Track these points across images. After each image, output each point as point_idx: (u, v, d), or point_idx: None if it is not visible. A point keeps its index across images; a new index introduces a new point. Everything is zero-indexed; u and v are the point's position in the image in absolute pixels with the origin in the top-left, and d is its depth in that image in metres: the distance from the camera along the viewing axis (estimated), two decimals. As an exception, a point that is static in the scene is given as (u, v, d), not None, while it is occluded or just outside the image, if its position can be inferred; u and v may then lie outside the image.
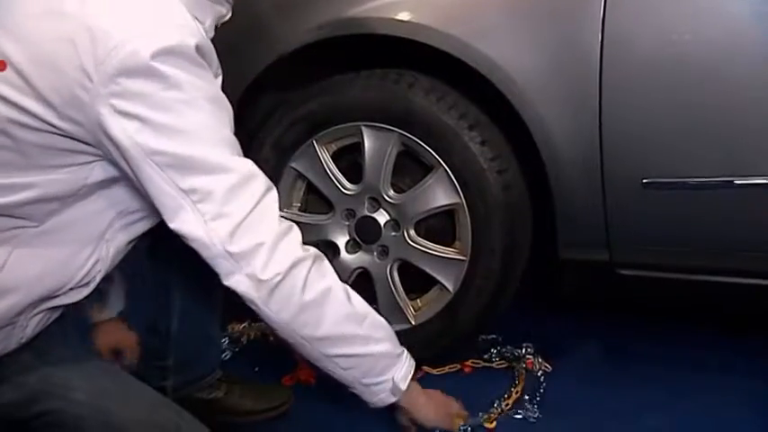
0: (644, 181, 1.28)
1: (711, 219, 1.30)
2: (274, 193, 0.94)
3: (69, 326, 1.05)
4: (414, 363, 1.04)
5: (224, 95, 0.94)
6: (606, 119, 1.27)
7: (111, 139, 0.87)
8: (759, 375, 1.48)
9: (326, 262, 0.97)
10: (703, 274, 1.35)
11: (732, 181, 1.25)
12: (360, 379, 1.00)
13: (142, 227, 1.00)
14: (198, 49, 0.90)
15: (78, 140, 0.89)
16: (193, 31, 0.91)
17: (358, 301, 0.99)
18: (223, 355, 1.56)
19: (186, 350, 1.29)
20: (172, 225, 0.91)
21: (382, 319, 1.02)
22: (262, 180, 0.93)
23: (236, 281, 0.91)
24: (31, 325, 0.95)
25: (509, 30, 1.32)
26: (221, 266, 0.91)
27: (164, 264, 1.22)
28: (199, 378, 1.33)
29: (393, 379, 1.01)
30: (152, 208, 0.94)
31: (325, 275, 0.96)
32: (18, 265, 0.92)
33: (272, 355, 1.54)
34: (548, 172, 1.34)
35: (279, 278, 0.91)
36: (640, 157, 1.28)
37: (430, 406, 1.06)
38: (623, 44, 1.25)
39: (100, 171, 0.92)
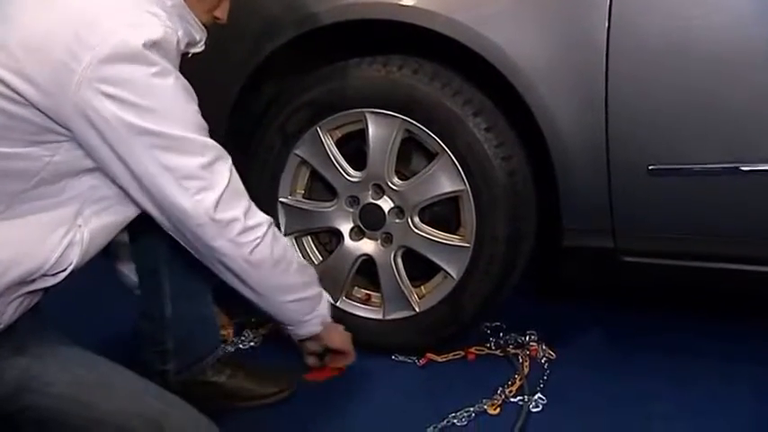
0: (650, 167, 1.28)
1: (717, 205, 1.29)
2: (233, 167, 1.07)
3: (46, 316, 1.06)
4: (327, 295, 1.25)
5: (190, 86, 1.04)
6: (612, 105, 1.26)
7: (94, 121, 0.94)
8: (763, 362, 1.48)
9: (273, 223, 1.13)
10: (709, 261, 1.34)
11: (738, 167, 1.24)
12: (301, 317, 1.20)
13: (116, 213, 1.04)
14: (177, 44, 1.00)
15: (52, 119, 0.94)
16: (173, 28, 1.00)
17: (295, 251, 1.21)
18: (252, 343, 1.57)
19: (182, 332, 1.29)
20: (156, 200, 1.01)
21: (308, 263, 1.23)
22: (227, 157, 1.06)
23: (221, 244, 1.05)
24: (9, 311, 0.97)
25: (515, 15, 1.31)
26: (206, 232, 1.03)
27: (147, 249, 1.24)
28: (199, 359, 1.33)
29: (322, 312, 1.22)
30: (121, 195, 1.02)
31: (280, 235, 1.13)
32: None
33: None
34: (552, 158, 1.33)
35: (258, 241, 1.07)
36: (646, 143, 1.28)
37: (337, 334, 1.27)
38: (630, 29, 1.24)
39: (65, 154, 0.97)
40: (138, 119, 0.95)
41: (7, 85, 0.92)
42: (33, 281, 0.97)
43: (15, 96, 0.92)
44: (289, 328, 1.22)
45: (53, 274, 0.98)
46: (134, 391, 1.02)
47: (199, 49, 1.13)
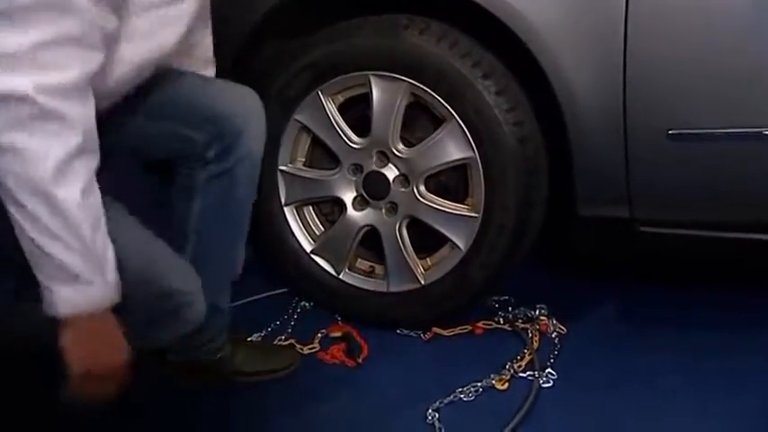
0: (669, 132, 1.23)
1: (740, 172, 1.25)
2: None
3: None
4: (108, 299, 0.95)
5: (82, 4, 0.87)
6: (630, 66, 1.22)
7: None
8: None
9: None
10: (729, 231, 1.30)
11: (762, 132, 1.19)
12: (38, 272, 0.93)
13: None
14: None
15: None
16: None
17: (85, 205, 0.91)
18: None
19: None
20: None
21: (103, 238, 0.95)
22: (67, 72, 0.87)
23: None
24: None
25: (528, -29, 1.26)
26: None
27: (178, 226, 1.22)
28: (201, 344, 1.31)
29: (56, 293, 0.92)
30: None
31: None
32: None
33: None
34: (567, 123, 1.28)
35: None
36: (666, 106, 1.23)
37: (84, 344, 0.94)
38: (651, -15, 1.19)
39: None
40: None
41: None
42: None
43: None
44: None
45: None
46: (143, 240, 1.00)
47: None
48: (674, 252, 1.44)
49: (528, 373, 1.35)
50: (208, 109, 1.18)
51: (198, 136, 1.18)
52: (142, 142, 1.20)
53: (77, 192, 0.89)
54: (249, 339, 1.47)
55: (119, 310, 0.96)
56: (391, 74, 1.35)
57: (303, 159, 1.51)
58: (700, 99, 1.22)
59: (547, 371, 1.35)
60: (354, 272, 1.51)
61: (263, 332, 1.50)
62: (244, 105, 1.21)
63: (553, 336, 1.47)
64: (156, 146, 1.21)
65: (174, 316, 1.08)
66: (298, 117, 1.45)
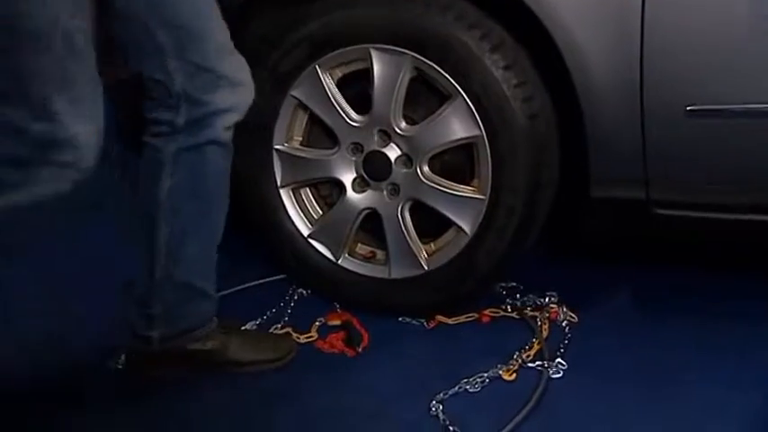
0: (689, 108, 1.20)
1: (764, 151, 1.21)
2: None
3: None
4: None
5: None
6: (648, 38, 1.19)
7: None
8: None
9: None
10: (752, 214, 1.27)
11: (788, 109, 1.17)
12: None
13: None
14: None
15: None
16: None
17: None
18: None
19: (173, 301, 1.24)
20: None
21: None
22: None
23: None
24: None
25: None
26: None
27: (149, 200, 1.17)
28: (187, 331, 1.27)
29: None
30: None
31: None
32: None
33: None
34: (580, 100, 1.25)
35: None
36: (685, 81, 1.21)
37: None
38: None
39: None
40: None
41: None
42: None
43: None
44: None
45: None
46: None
47: None
48: (691, 236, 1.41)
49: (537, 363, 1.33)
50: (206, 63, 1.10)
51: (179, 79, 1.09)
52: (134, 46, 1.10)
53: None
54: (243, 328, 1.44)
55: None
56: (393, 47, 1.32)
57: (300, 138, 1.48)
58: (721, 73, 1.19)
59: (556, 361, 1.33)
60: (354, 257, 1.49)
61: (259, 320, 1.48)
62: (239, 93, 1.15)
63: (563, 324, 1.44)
64: (136, 55, 1.11)
65: (43, 156, 0.89)
66: (294, 93, 1.42)
